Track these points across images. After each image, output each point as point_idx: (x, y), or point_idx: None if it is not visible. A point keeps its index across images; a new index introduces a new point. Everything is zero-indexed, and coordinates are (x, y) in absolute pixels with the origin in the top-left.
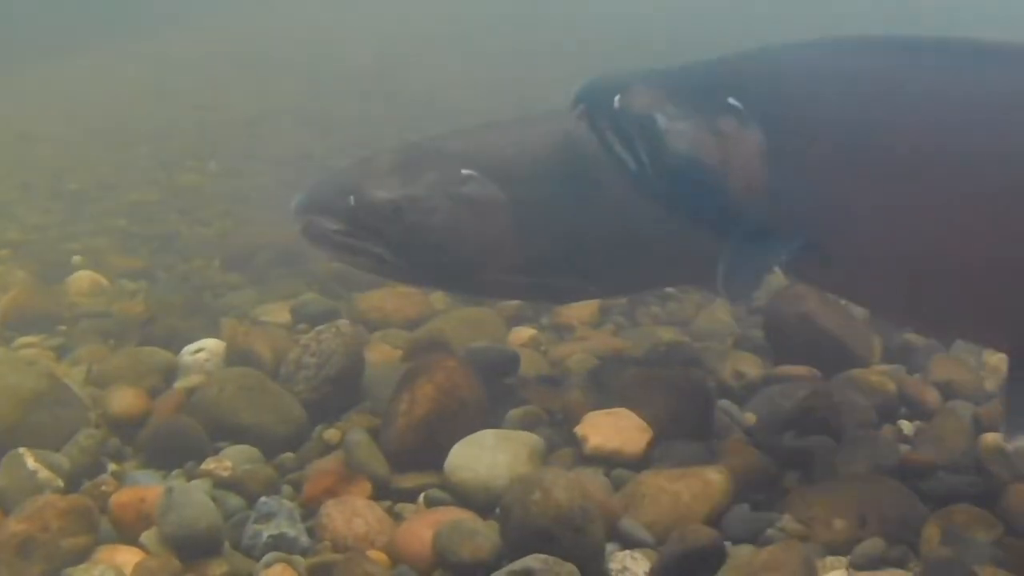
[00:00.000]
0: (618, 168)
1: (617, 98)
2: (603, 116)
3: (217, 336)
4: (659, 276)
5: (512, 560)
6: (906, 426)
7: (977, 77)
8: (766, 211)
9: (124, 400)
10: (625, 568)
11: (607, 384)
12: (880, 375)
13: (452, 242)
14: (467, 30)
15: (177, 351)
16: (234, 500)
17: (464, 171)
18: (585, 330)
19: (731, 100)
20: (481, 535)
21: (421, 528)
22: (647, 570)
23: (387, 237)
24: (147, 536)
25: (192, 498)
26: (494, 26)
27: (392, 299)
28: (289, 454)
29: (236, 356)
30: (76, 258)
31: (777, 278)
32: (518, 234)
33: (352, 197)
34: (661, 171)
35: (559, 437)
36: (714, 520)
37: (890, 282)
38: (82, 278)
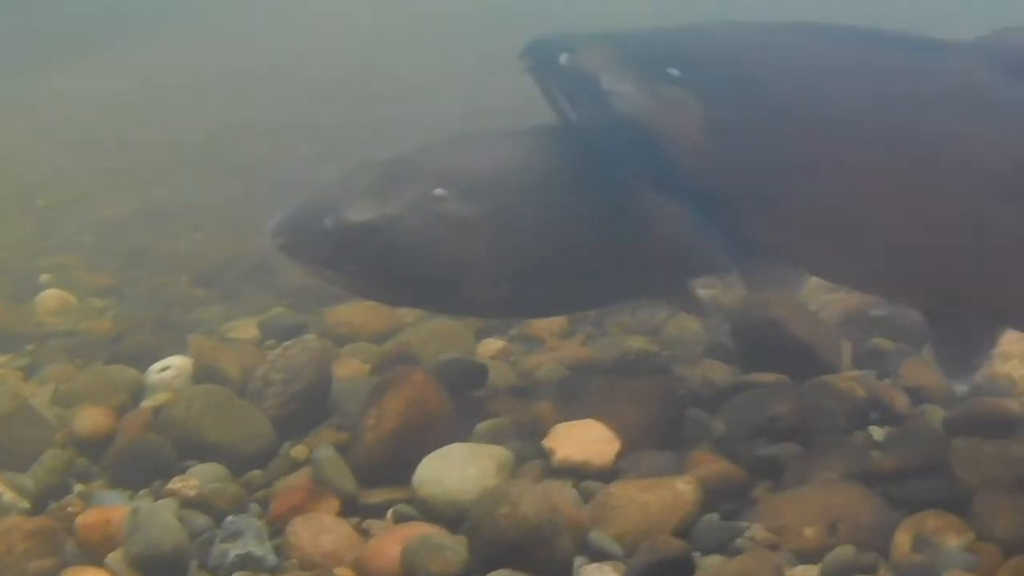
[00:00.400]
0: (561, 120)
1: (564, 56)
2: (549, 71)
3: (185, 353)
4: (635, 290)
5: (481, 575)
6: (876, 432)
7: (899, 61)
8: (707, 173)
9: (91, 419)
10: None
11: (577, 394)
12: (850, 380)
13: (429, 261)
14: (455, 31)
15: (145, 369)
16: (201, 519)
17: (439, 190)
18: (554, 340)
19: (672, 69)
20: (449, 550)
21: (389, 544)
22: None
23: (364, 257)
24: (113, 557)
25: (158, 518)
26: (484, 28)
27: (361, 313)
28: (257, 471)
29: (203, 373)
30: (44, 276)
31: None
32: (495, 251)
33: (328, 218)
34: (604, 129)
35: (528, 449)
36: (683, 531)
37: (820, 244)
38: (50, 297)
